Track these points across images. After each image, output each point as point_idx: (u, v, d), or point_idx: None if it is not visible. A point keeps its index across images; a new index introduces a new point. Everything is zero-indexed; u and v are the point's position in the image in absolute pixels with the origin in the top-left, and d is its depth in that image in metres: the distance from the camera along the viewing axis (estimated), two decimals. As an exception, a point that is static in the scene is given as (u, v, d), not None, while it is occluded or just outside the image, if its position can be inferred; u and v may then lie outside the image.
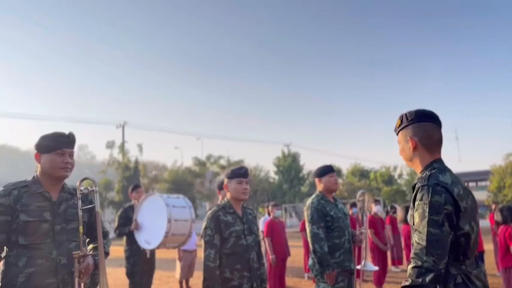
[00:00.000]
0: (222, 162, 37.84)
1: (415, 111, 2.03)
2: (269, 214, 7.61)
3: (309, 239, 3.75)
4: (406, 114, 2.05)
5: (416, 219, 1.81)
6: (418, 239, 1.77)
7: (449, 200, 1.78)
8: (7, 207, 2.19)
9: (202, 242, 2.98)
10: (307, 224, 3.81)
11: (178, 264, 8.14)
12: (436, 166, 1.93)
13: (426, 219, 1.76)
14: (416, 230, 1.81)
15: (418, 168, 2.01)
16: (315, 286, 3.76)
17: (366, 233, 5.75)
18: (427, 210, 1.77)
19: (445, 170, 1.92)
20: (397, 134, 2.10)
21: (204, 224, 3.02)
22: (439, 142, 2.01)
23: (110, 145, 33.49)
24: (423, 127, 1.99)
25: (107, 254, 2.46)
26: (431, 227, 1.74)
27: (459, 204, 1.79)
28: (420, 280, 1.70)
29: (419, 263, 1.72)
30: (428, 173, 1.89)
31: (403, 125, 2.05)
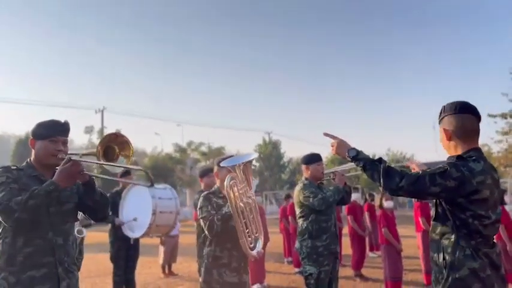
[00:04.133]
0: (203, 148, 37.83)
1: (452, 102, 2.16)
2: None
3: (320, 206, 3.79)
4: (444, 106, 2.18)
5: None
6: (418, 171, 2.08)
7: (461, 181, 1.96)
8: (14, 180, 2.26)
9: (201, 222, 3.07)
10: (311, 200, 3.84)
11: (161, 249, 8.21)
12: (472, 155, 2.08)
13: (433, 171, 2.01)
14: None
15: (454, 156, 2.14)
16: (301, 268, 3.89)
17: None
18: (438, 169, 2.01)
19: (479, 159, 2.07)
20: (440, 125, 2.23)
21: (198, 205, 3.13)
22: (473, 132, 2.13)
23: (89, 130, 33.21)
24: (458, 118, 2.12)
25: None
26: (428, 174, 1.99)
27: (478, 190, 1.97)
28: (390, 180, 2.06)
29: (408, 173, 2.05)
30: (462, 157, 2.07)
31: (441, 116, 2.19)
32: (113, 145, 2.31)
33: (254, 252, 2.84)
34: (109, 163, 2.28)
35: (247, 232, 2.81)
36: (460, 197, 1.99)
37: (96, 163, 2.28)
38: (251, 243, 2.82)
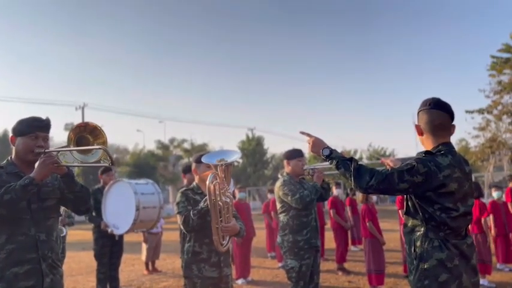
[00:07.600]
0: (186, 145, 37.64)
1: (427, 99, 2.25)
2: (234, 197, 7.79)
3: (298, 205, 3.87)
4: (420, 103, 2.26)
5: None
6: (387, 169, 2.16)
7: (428, 176, 2.04)
8: None
9: (177, 217, 3.09)
10: (289, 198, 3.92)
11: (144, 247, 8.19)
12: (441, 149, 2.16)
13: (401, 168, 2.10)
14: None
15: (423, 152, 2.22)
16: (283, 262, 3.95)
17: None
18: (406, 166, 2.09)
19: (449, 153, 2.14)
20: None
21: (176, 201, 3.18)
22: (444, 127, 2.21)
23: (69, 127, 32.52)
24: (429, 113, 2.21)
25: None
26: (396, 172, 2.08)
27: (445, 184, 2.05)
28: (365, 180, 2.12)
29: (371, 176, 2.10)
30: (430, 152, 2.15)
31: (417, 112, 2.27)
32: (86, 135, 2.32)
33: (224, 249, 2.90)
34: (77, 148, 2.29)
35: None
36: (428, 191, 2.08)
37: (67, 150, 2.29)
38: (223, 240, 2.87)
